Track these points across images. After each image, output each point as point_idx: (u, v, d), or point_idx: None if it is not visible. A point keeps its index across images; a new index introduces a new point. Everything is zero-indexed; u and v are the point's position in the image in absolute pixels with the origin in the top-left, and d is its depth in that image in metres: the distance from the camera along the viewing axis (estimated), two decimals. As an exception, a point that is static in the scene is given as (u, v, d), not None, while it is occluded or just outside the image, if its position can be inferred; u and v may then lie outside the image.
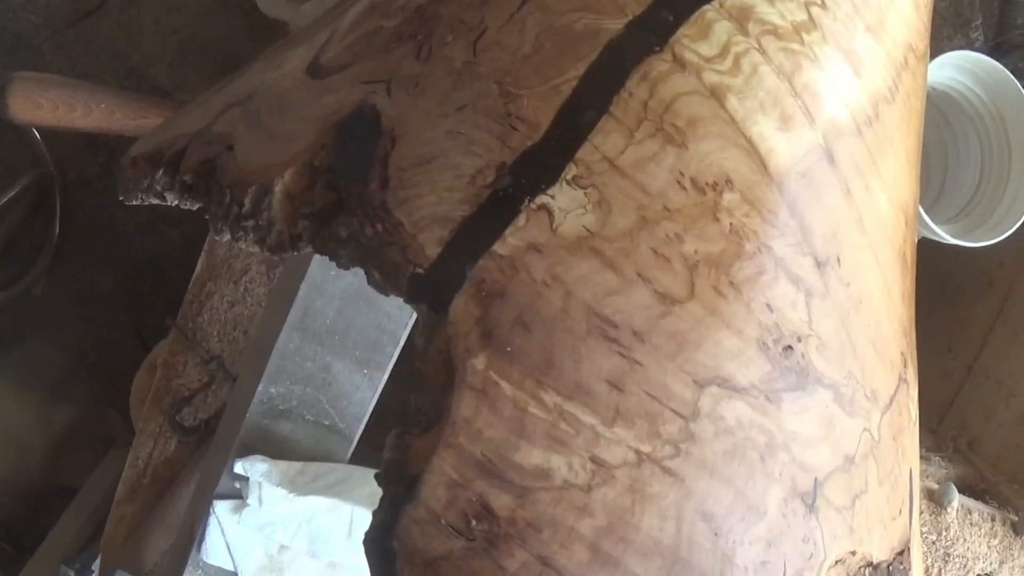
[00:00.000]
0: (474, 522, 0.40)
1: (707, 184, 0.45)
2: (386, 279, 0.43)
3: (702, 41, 0.46)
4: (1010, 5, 1.15)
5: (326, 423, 0.90)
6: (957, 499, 1.04)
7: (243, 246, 0.47)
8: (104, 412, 1.62)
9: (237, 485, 0.87)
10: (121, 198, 0.55)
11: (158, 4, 1.58)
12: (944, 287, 1.30)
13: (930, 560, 1.03)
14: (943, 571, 1.03)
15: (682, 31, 0.46)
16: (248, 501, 0.86)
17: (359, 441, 0.92)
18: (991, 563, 1.05)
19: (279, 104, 0.50)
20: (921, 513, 1.02)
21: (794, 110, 0.47)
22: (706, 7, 0.47)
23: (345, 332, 0.87)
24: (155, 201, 0.53)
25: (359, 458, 0.92)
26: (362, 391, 0.89)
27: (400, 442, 0.42)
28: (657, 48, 0.46)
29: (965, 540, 1.04)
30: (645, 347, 0.42)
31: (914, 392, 0.56)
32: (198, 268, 1.10)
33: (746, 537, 0.44)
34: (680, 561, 0.42)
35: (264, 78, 0.54)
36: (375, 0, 0.52)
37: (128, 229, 1.64)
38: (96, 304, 1.65)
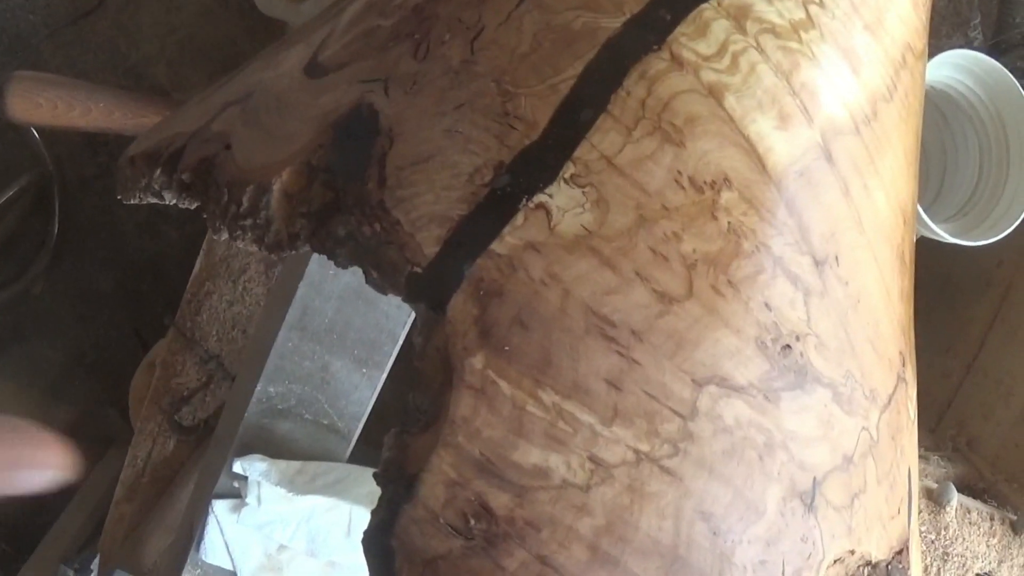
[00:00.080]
0: (473, 521, 0.40)
1: (705, 183, 0.45)
2: (384, 278, 0.43)
3: (700, 40, 0.46)
4: (1009, 4, 1.15)
5: (325, 422, 0.90)
6: (956, 498, 1.04)
7: (241, 245, 0.47)
8: (103, 411, 1.62)
9: (236, 484, 0.87)
10: (119, 197, 0.55)
11: (157, 4, 1.58)
12: (943, 286, 1.30)
13: (929, 559, 1.03)
14: (942, 570, 1.03)
15: (680, 30, 0.46)
16: (247, 500, 0.86)
17: (358, 440, 0.92)
18: (990, 562, 1.05)
19: (277, 103, 0.50)
20: (920, 512, 1.02)
21: (792, 109, 0.47)
22: (704, 6, 0.47)
23: (343, 331, 0.87)
24: (153, 200, 0.53)
25: (358, 457, 0.92)
26: (361, 390, 0.89)
27: (399, 441, 0.42)
28: (655, 47, 0.46)
29: (964, 539, 1.04)
30: (643, 346, 0.42)
31: (913, 391, 0.56)
32: (197, 267, 1.10)
33: (745, 536, 0.44)
34: (679, 560, 0.42)
35: (262, 77, 0.54)
36: (373, -1, 0.52)
37: (127, 228, 1.64)
38: (95, 303, 1.65)
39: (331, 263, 0.44)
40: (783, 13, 0.48)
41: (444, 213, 0.42)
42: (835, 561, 0.48)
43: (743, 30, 0.47)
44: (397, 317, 0.87)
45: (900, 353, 0.53)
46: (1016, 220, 1.04)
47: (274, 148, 0.47)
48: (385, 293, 0.43)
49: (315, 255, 0.76)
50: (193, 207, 0.51)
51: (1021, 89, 1.04)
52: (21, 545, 1.52)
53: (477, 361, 0.41)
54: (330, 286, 0.85)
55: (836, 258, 0.48)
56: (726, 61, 0.46)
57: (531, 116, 0.44)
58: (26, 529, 1.55)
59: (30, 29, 1.56)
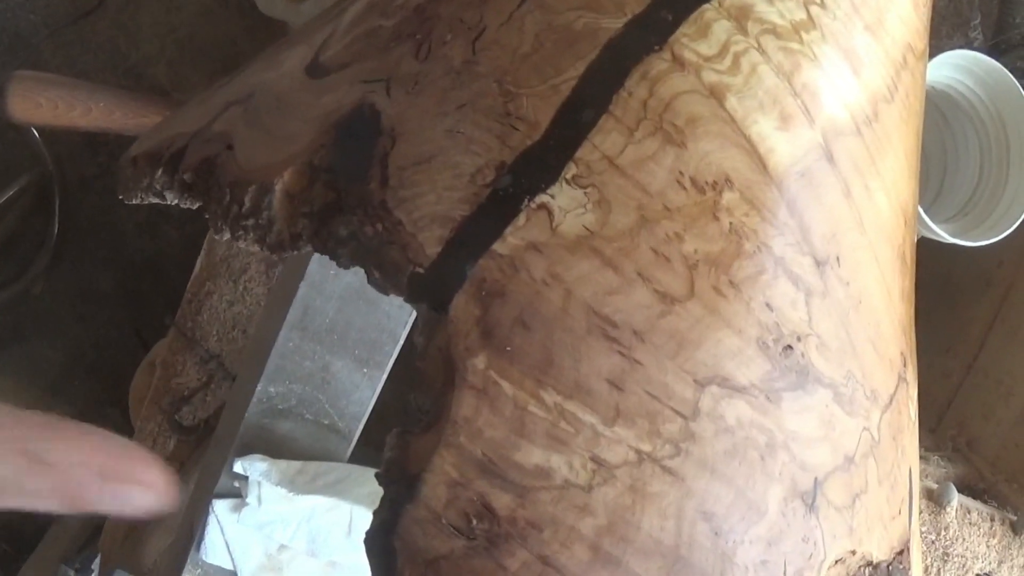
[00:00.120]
0: (475, 521, 0.40)
1: (707, 183, 0.45)
2: (386, 278, 0.43)
3: (701, 40, 0.46)
4: (1009, 4, 1.15)
5: (325, 422, 0.90)
6: (956, 499, 1.04)
7: (243, 245, 0.47)
8: (103, 411, 1.62)
9: (236, 484, 0.87)
10: (121, 197, 0.55)
11: (157, 3, 1.58)
12: (943, 286, 1.30)
13: (929, 560, 1.03)
14: (942, 570, 1.03)
15: (681, 30, 0.46)
16: (247, 500, 0.86)
17: (358, 440, 0.92)
18: (990, 562, 1.05)
19: (278, 103, 0.50)
20: (920, 513, 1.02)
21: (793, 109, 0.47)
22: (705, 6, 0.47)
23: (344, 331, 0.87)
24: (155, 200, 0.53)
25: (358, 457, 0.92)
26: (361, 390, 0.89)
27: (400, 441, 0.42)
28: (656, 47, 0.46)
29: (964, 540, 1.04)
30: (645, 346, 0.42)
31: (914, 392, 0.56)
32: (197, 267, 1.10)
33: (746, 536, 0.44)
34: (680, 560, 0.42)
35: (263, 77, 0.54)
36: (374, -1, 0.52)
37: (127, 228, 1.64)
38: (95, 303, 1.65)
39: (332, 263, 0.44)
40: (784, 14, 0.48)
41: (446, 213, 0.42)
42: (836, 561, 0.48)
43: (744, 31, 0.47)
44: (398, 317, 0.87)
45: (901, 353, 0.53)
46: (1016, 220, 1.04)
47: (276, 148, 0.47)
48: (387, 293, 0.43)
49: (316, 255, 0.76)
50: (195, 207, 0.51)
51: (1021, 89, 1.04)
52: (21, 545, 1.52)
53: (479, 361, 0.41)
54: (331, 286, 0.85)
55: (837, 259, 0.48)
56: (727, 62, 0.46)
57: (533, 116, 0.44)
58: (26, 529, 1.55)
59: (30, 29, 1.56)
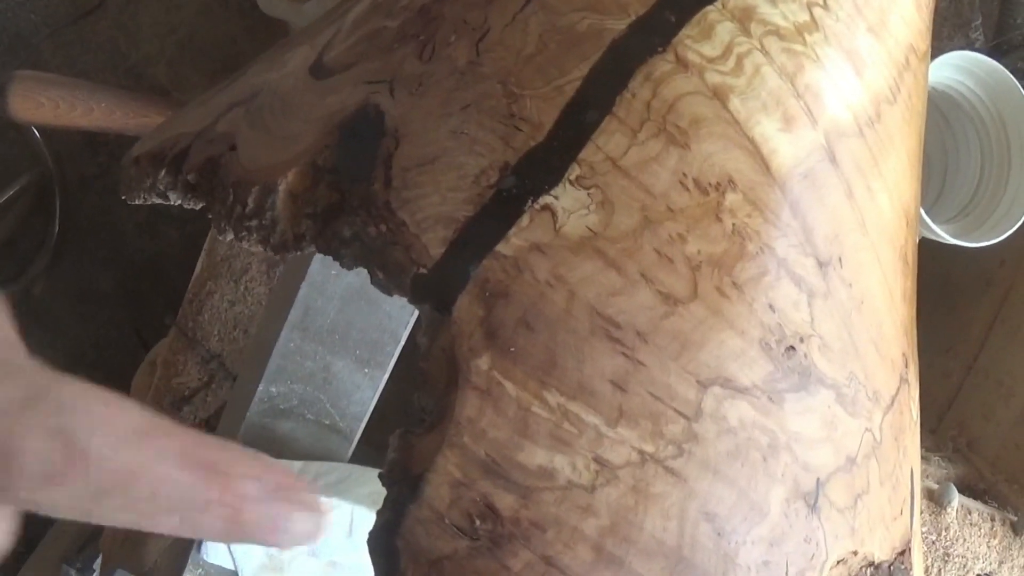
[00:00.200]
0: (478, 522, 0.40)
1: (710, 185, 0.45)
2: (390, 279, 0.43)
3: (705, 42, 0.46)
4: (1010, 5, 1.15)
5: (326, 422, 0.90)
6: (957, 499, 1.04)
7: (247, 245, 0.47)
8: (103, 411, 1.62)
9: (238, 484, 0.87)
10: (123, 197, 0.55)
11: (157, 3, 1.58)
12: (944, 287, 1.30)
13: (930, 560, 1.03)
14: (943, 571, 1.03)
15: (685, 32, 0.46)
16: (249, 500, 0.86)
17: (359, 440, 0.92)
18: (991, 563, 1.05)
19: (282, 104, 0.50)
20: (921, 513, 1.02)
21: (796, 111, 0.47)
22: (709, 8, 0.47)
23: (346, 331, 0.87)
24: (158, 200, 0.53)
25: (360, 457, 0.92)
26: (363, 390, 0.89)
27: (404, 442, 0.42)
28: (660, 49, 0.46)
29: (965, 540, 1.04)
30: (648, 347, 0.42)
31: (915, 392, 0.56)
32: (198, 267, 1.10)
33: (749, 537, 0.44)
34: (683, 561, 0.42)
35: (267, 78, 0.54)
36: (378, 0, 0.52)
37: (128, 228, 1.64)
38: (95, 303, 1.65)
39: (334, 263, 0.44)
40: (787, 15, 0.48)
41: (450, 214, 0.42)
42: (838, 562, 0.48)
43: (748, 32, 0.47)
44: (399, 317, 0.87)
45: (903, 354, 0.53)
46: (1017, 221, 1.04)
47: (279, 149, 0.47)
48: (391, 294, 0.43)
49: (318, 255, 0.76)
50: (198, 208, 0.51)
51: (1022, 90, 1.04)
52: (22, 544, 1.52)
53: (483, 362, 0.41)
54: (332, 286, 0.85)
55: (840, 260, 0.48)
56: (731, 63, 0.46)
57: (537, 118, 0.44)
58: (27, 528, 1.54)
59: (31, 29, 1.56)
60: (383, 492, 0.42)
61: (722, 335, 0.44)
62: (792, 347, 0.46)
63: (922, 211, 0.95)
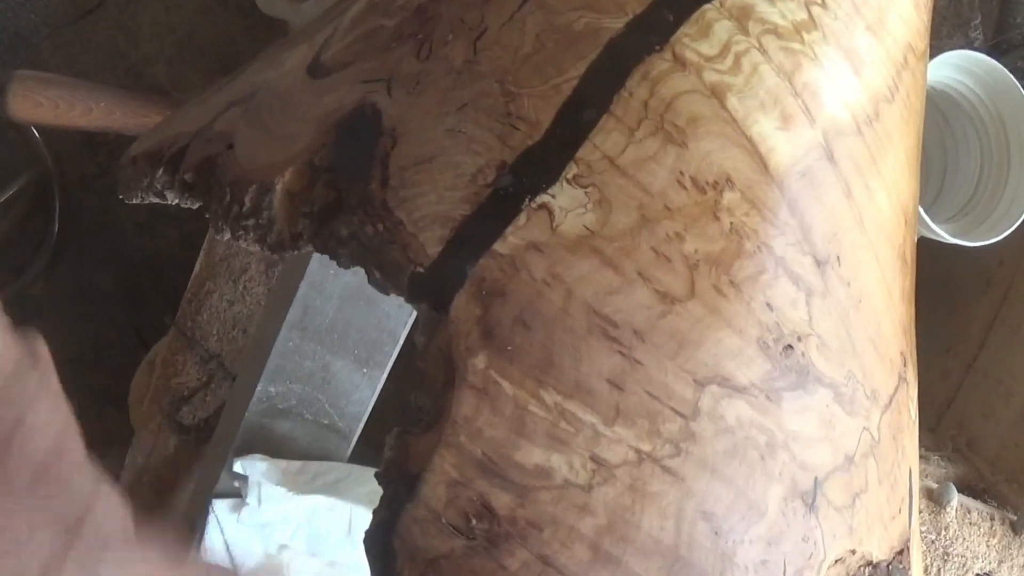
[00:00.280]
0: (475, 521, 0.40)
1: (707, 183, 0.45)
2: (387, 278, 0.43)
3: (703, 40, 0.46)
4: (1009, 4, 1.15)
5: (325, 422, 0.90)
6: (956, 498, 1.04)
7: (244, 245, 0.47)
8: (103, 411, 1.62)
9: (236, 484, 0.87)
10: (121, 196, 0.55)
11: (157, 3, 1.58)
12: (943, 286, 1.30)
13: (929, 559, 1.03)
14: (942, 570, 1.03)
15: (683, 30, 0.46)
16: (247, 500, 0.86)
17: (358, 440, 0.92)
18: (990, 562, 1.05)
19: (280, 103, 0.50)
20: (920, 512, 1.02)
21: (794, 109, 0.47)
22: (707, 6, 0.47)
23: (344, 331, 0.87)
24: (155, 200, 0.53)
25: (358, 457, 0.92)
26: (361, 390, 0.89)
27: (401, 441, 0.42)
28: (658, 47, 0.46)
29: (964, 539, 1.04)
30: (645, 346, 0.42)
31: (914, 391, 0.56)
32: (197, 267, 1.10)
33: (746, 536, 0.44)
34: (680, 560, 0.42)
35: (265, 77, 0.54)
36: (375, -1, 0.52)
37: (127, 228, 1.64)
38: (95, 303, 1.65)
39: (332, 262, 0.44)
40: (785, 14, 0.48)
41: (447, 213, 0.42)
42: (836, 561, 0.48)
43: (745, 31, 0.47)
44: (398, 317, 0.87)
45: (901, 353, 0.53)
46: (1016, 220, 1.04)
47: (277, 148, 0.47)
48: (388, 293, 0.43)
49: (316, 255, 0.76)
50: (195, 207, 0.51)
51: (1022, 89, 1.04)
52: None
53: (479, 361, 0.41)
54: (331, 286, 0.85)
55: (838, 258, 0.48)
56: (728, 62, 0.46)
57: (534, 116, 0.44)
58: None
59: (30, 28, 1.56)
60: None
61: (720, 334, 0.44)
62: (790, 346, 0.46)
63: (921, 210, 0.95)
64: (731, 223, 0.45)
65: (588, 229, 0.43)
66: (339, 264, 0.44)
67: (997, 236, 1.03)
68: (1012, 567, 1.06)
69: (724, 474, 0.43)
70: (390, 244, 0.42)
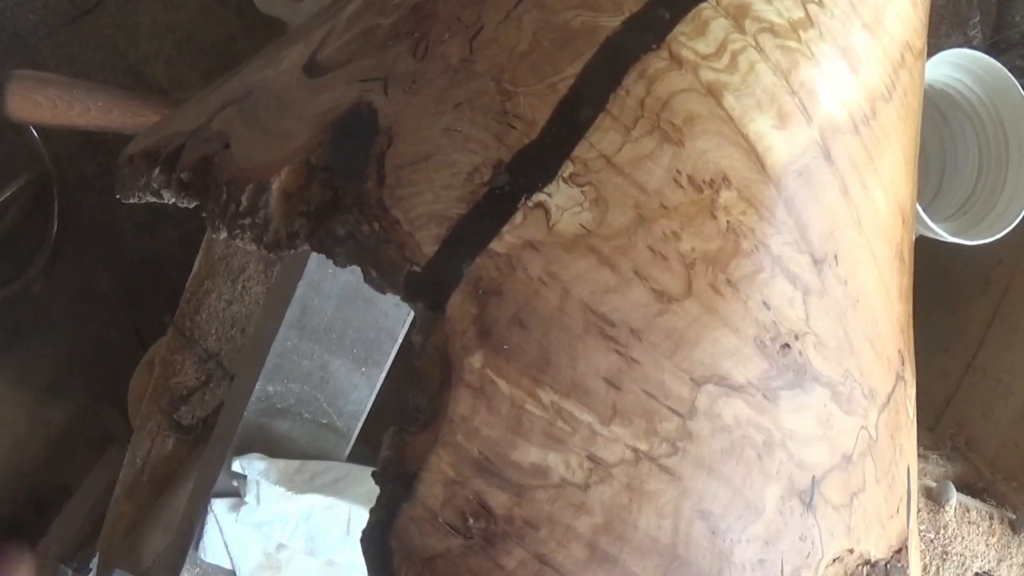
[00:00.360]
0: (471, 520, 0.40)
1: (704, 182, 0.45)
2: (383, 277, 0.43)
3: (699, 39, 0.46)
4: (1008, 3, 1.15)
5: (324, 421, 0.90)
6: (955, 497, 1.04)
7: (240, 244, 0.47)
8: (102, 410, 1.62)
9: (235, 483, 0.87)
10: (118, 196, 0.55)
11: (156, 2, 1.58)
12: (942, 285, 1.30)
13: (928, 558, 1.03)
14: (941, 569, 1.03)
15: (679, 29, 0.46)
16: (246, 499, 0.86)
17: (356, 439, 0.92)
18: (989, 561, 1.05)
19: (276, 102, 0.50)
20: (919, 511, 1.02)
21: (791, 108, 0.47)
22: (703, 5, 0.47)
23: (343, 330, 0.87)
24: (152, 199, 0.53)
25: (357, 456, 0.92)
26: (360, 389, 0.89)
27: (397, 440, 0.42)
28: (654, 46, 0.46)
29: (963, 538, 1.04)
30: (642, 345, 0.42)
31: (912, 390, 0.56)
32: (196, 266, 1.10)
33: (744, 535, 0.44)
34: (678, 559, 0.42)
35: (261, 76, 0.54)
36: (372, -2, 0.52)
37: (126, 227, 1.64)
38: (94, 302, 1.65)
39: (330, 262, 0.44)
40: (782, 12, 0.48)
41: (443, 212, 0.42)
42: (834, 560, 0.48)
43: (742, 29, 0.47)
44: (396, 316, 0.87)
45: (899, 352, 0.53)
46: (1015, 219, 1.04)
47: (273, 147, 0.47)
48: (384, 292, 0.43)
49: (314, 254, 0.76)
50: (192, 206, 0.51)
51: (1020, 88, 1.04)
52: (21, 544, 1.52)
53: (476, 360, 0.41)
54: (329, 285, 0.85)
55: (835, 257, 0.48)
56: (725, 60, 0.46)
57: (530, 115, 0.44)
58: (25, 528, 1.55)
59: (29, 28, 1.56)
60: (379, 491, 0.42)
61: (716, 333, 0.44)
62: (787, 345, 0.46)
63: (919, 209, 0.95)
64: (728, 222, 0.45)
65: (584, 228, 0.43)
66: (336, 263, 0.44)
67: (995, 235, 1.03)
68: (1011, 566, 1.06)
69: (721, 473, 0.43)
70: (386, 243, 0.42)
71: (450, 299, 0.41)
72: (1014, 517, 1.08)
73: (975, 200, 1.10)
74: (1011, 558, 1.07)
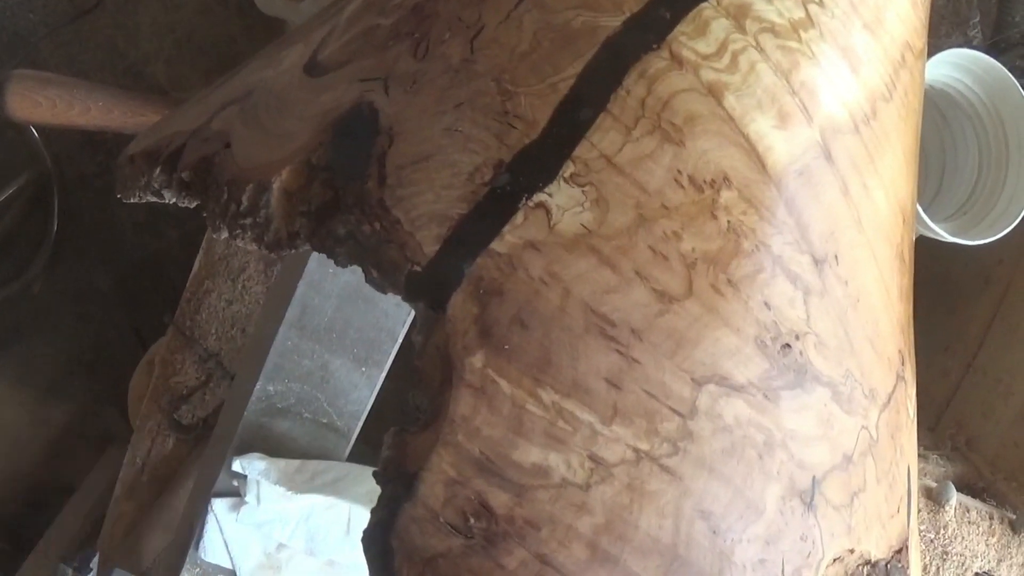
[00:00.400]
0: (472, 520, 0.40)
1: (705, 182, 0.45)
2: (384, 277, 0.43)
3: (700, 39, 0.46)
4: (1008, 3, 1.15)
5: (324, 421, 0.90)
6: (955, 497, 1.04)
7: (241, 244, 0.47)
8: (102, 410, 1.62)
9: (235, 483, 0.87)
10: (119, 196, 0.55)
11: (156, 2, 1.58)
12: (942, 285, 1.30)
13: (928, 558, 1.03)
14: (941, 569, 1.03)
15: (680, 29, 0.46)
16: (246, 499, 0.86)
17: (357, 439, 0.92)
18: (989, 561, 1.05)
19: (277, 102, 0.50)
20: (919, 511, 1.02)
21: (792, 108, 0.47)
22: (704, 5, 0.47)
23: (343, 330, 0.87)
24: (153, 199, 0.53)
25: (357, 456, 0.92)
26: (360, 389, 0.89)
27: (398, 440, 0.42)
28: (655, 46, 0.46)
29: (963, 538, 1.04)
30: (643, 345, 0.42)
31: (912, 390, 0.56)
32: (196, 266, 1.10)
33: (744, 535, 0.44)
34: (678, 559, 0.42)
35: (262, 76, 0.54)
36: (373, -2, 0.52)
37: (126, 227, 1.64)
38: (94, 302, 1.65)
39: (331, 262, 0.44)
40: (783, 12, 0.48)
41: (444, 212, 0.42)
42: (834, 560, 0.48)
43: (743, 29, 0.47)
44: (396, 316, 0.87)
45: (899, 352, 0.53)
46: (1015, 219, 1.04)
47: (274, 147, 0.47)
48: (385, 292, 0.43)
49: (315, 254, 0.76)
50: (193, 206, 0.51)
51: (1020, 88, 1.04)
52: (20, 543, 1.52)
53: (477, 360, 0.41)
54: (329, 285, 0.85)
55: (836, 257, 0.48)
56: (726, 60, 0.46)
57: (531, 115, 0.44)
58: (25, 527, 1.55)
59: (29, 28, 1.56)
60: (380, 491, 0.42)
61: (717, 333, 0.44)
62: (788, 344, 0.46)
63: (920, 209, 0.95)
64: (728, 222, 0.45)
65: (585, 228, 0.43)
66: (336, 263, 0.44)
67: (996, 234, 1.03)
68: (1011, 566, 1.06)
69: (722, 473, 0.43)
70: (387, 243, 0.42)
71: (451, 299, 0.41)
72: (1014, 517, 1.08)
73: (975, 200, 1.10)
74: (1011, 558, 1.07)
